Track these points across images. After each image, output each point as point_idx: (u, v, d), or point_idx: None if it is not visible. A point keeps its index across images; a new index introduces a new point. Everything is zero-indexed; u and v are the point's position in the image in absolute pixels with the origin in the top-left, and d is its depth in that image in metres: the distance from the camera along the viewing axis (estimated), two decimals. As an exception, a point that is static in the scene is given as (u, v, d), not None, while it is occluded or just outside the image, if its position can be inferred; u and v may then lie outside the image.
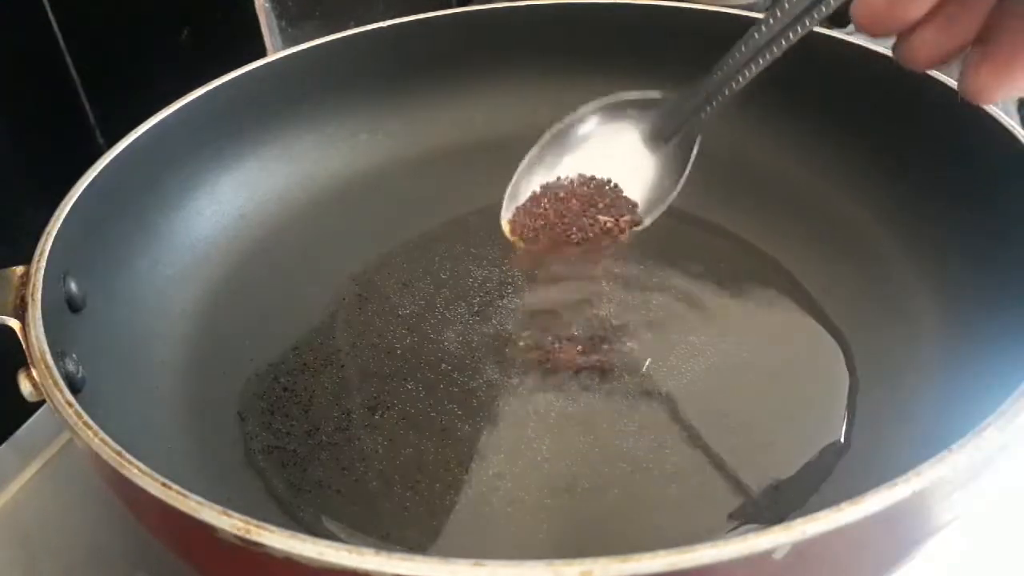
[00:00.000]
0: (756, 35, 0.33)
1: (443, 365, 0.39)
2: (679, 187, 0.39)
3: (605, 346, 0.39)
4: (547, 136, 0.40)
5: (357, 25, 0.49)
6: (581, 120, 0.40)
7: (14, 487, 0.41)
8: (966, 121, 0.38)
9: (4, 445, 0.43)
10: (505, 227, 0.42)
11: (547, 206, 0.42)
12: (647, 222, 0.40)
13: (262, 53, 0.57)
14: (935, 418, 0.33)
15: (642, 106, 0.39)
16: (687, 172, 0.38)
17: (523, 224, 0.42)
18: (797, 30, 0.32)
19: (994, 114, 0.37)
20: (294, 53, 0.47)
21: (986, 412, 0.25)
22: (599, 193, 0.42)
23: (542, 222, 0.42)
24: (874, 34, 0.28)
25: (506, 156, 0.50)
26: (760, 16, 0.47)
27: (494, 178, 0.45)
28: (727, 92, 0.36)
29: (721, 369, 0.38)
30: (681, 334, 0.39)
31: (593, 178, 0.42)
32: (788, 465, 0.34)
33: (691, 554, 0.21)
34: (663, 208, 0.40)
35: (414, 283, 0.43)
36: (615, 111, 0.39)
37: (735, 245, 0.44)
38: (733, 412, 0.36)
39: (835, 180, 0.45)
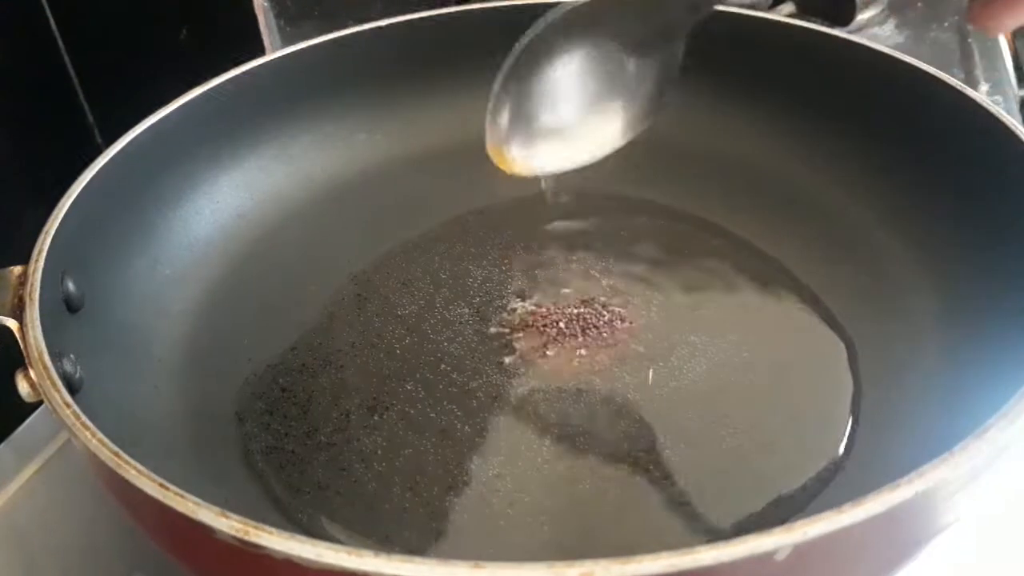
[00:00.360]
0: None
1: (443, 365, 0.39)
2: (666, 96, 0.37)
3: (605, 346, 0.39)
4: (519, 48, 0.37)
5: (356, 24, 0.49)
6: (553, 29, 0.37)
7: (12, 487, 0.41)
8: (967, 120, 0.38)
9: (2, 445, 0.43)
10: (491, 153, 0.38)
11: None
12: (640, 130, 0.38)
13: (260, 52, 0.56)
14: (937, 418, 0.33)
15: (614, 10, 0.36)
16: (673, 80, 0.36)
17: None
18: None
19: (996, 114, 0.37)
20: (293, 52, 0.47)
21: (988, 412, 0.25)
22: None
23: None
24: None
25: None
26: (760, 14, 0.47)
27: (494, 178, 0.45)
28: (710, 4, 0.33)
29: (722, 369, 0.38)
30: (681, 334, 0.39)
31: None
32: (789, 465, 0.33)
33: (692, 555, 0.21)
34: (652, 118, 0.37)
35: (414, 283, 0.43)
36: (588, 17, 0.36)
37: (735, 245, 0.44)
38: (734, 412, 0.36)
39: (835, 179, 0.45)
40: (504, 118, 0.37)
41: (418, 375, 0.38)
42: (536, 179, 0.47)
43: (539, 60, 0.36)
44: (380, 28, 0.49)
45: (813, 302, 0.40)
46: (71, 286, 0.34)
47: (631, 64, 0.36)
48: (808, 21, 0.47)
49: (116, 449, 0.25)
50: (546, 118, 0.38)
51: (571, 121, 0.38)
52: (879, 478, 0.23)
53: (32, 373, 0.29)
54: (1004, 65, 0.53)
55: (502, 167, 0.38)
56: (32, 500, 0.40)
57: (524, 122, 0.38)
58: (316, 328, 0.41)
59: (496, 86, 0.36)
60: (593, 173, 0.49)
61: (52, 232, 0.34)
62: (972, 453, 0.24)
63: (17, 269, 0.33)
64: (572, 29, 0.36)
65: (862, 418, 0.35)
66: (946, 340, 0.37)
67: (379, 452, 0.35)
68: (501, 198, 0.47)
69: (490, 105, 0.37)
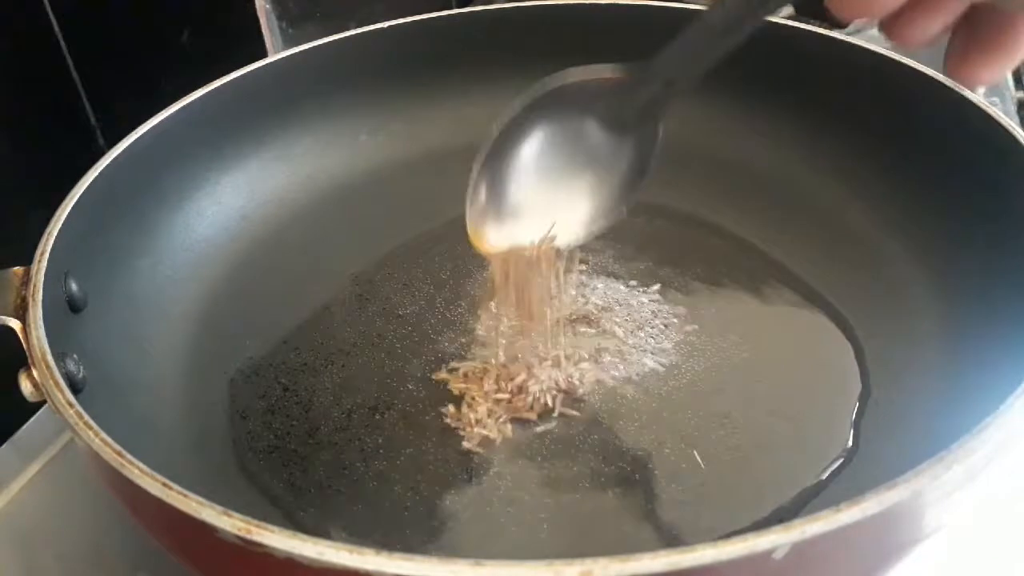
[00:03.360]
0: (708, 20, 0.30)
1: (444, 365, 0.39)
2: (648, 175, 0.36)
3: (605, 345, 0.39)
4: (496, 129, 0.36)
5: (358, 26, 0.49)
6: (528, 113, 0.36)
7: (15, 487, 0.41)
8: (967, 122, 0.38)
9: (5, 445, 0.43)
10: (470, 232, 0.36)
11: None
12: (622, 213, 0.37)
13: (263, 54, 0.57)
14: (936, 418, 0.33)
15: (589, 90, 0.35)
16: (654, 157, 0.35)
17: None
18: (757, 14, 0.30)
19: (993, 115, 0.37)
20: (294, 54, 0.47)
21: (986, 412, 0.25)
22: None
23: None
24: (848, 18, 0.28)
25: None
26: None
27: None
28: (689, 80, 0.32)
29: (722, 369, 0.38)
30: (682, 334, 0.39)
31: None
32: (789, 465, 0.34)
33: (691, 554, 0.21)
34: (635, 199, 0.37)
35: (414, 283, 0.43)
36: (562, 99, 0.36)
37: (735, 245, 0.44)
38: (734, 412, 0.36)
39: (835, 180, 0.45)
40: (482, 198, 0.35)
41: (419, 374, 0.38)
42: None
43: (515, 141, 0.36)
44: (382, 30, 0.49)
45: (813, 302, 0.41)
46: (74, 287, 0.35)
47: (610, 143, 0.36)
48: (806, 23, 0.47)
49: (119, 448, 0.26)
50: (524, 197, 0.36)
51: (549, 201, 0.36)
52: (878, 477, 0.23)
53: (35, 373, 0.29)
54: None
55: (477, 245, 0.36)
56: (35, 500, 0.40)
57: (502, 201, 0.35)
58: (318, 328, 0.41)
59: (475, 168, 0.35)
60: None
61: (55, 233, 0.34)
62: (969, 452, 0.24)
63: (20, 270, 0.33)
64: (547, 109, 0.35)
65: (862, 418, 0.35)
66: (946, 340, 0.37)
67: (380, 451, 0.35)
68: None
69: (469, 187, 0.35)
